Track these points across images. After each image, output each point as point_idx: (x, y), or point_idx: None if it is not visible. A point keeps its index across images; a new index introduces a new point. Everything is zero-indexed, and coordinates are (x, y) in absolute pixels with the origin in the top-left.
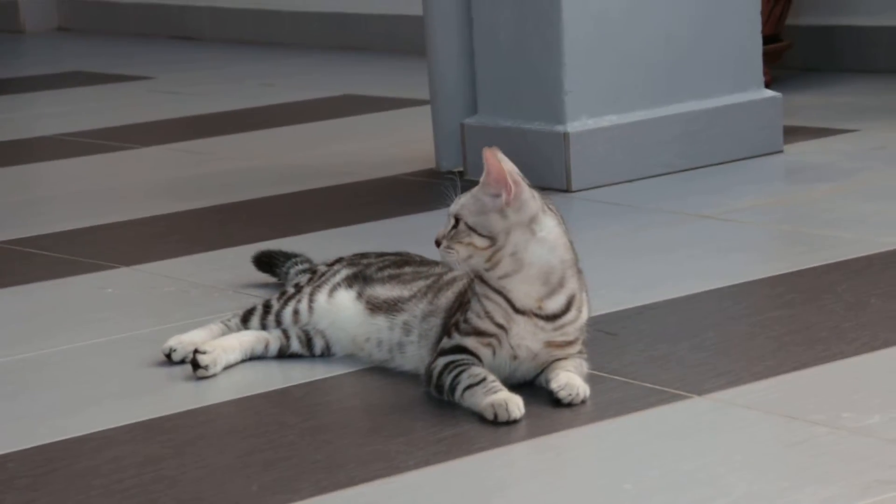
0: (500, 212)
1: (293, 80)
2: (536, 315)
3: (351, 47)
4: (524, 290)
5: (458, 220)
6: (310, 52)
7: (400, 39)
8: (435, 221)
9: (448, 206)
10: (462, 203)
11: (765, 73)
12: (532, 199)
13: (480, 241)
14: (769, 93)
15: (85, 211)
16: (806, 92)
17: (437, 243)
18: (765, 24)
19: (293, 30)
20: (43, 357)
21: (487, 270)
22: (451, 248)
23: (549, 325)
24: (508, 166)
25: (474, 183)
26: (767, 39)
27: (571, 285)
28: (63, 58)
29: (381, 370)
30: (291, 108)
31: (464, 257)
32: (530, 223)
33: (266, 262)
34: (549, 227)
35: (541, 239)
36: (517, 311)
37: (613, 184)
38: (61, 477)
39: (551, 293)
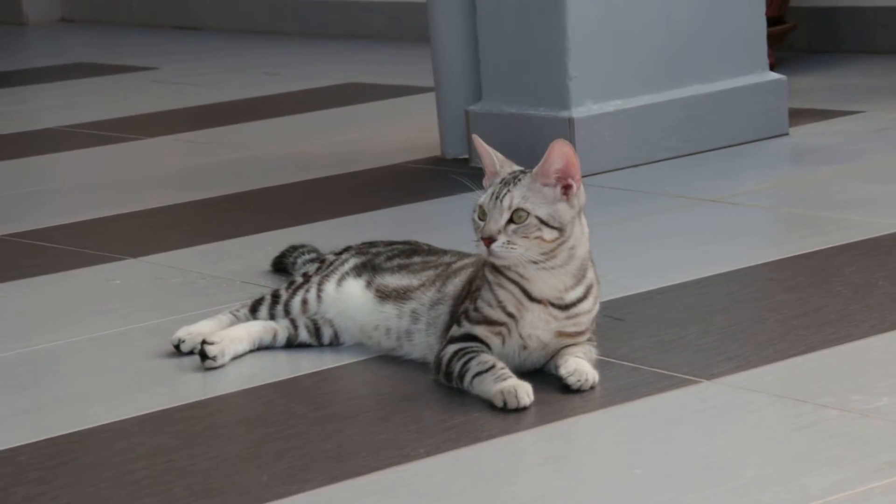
0: (568, 201)
1: (297, 68)
2: (552, 304)
3: (355, 35)
4: (551, 283)
5: (516, 214)
6: (314, 40)
7: (404, 27)
8: (441, 209)
9: (478, 198)
10: (522, 196)
11: (769, 56)
12: (583, 188)
13: (550, 234)
14: (774, 75)
15: (91, 203)
16: (811, 74)
17: (490, 240)
18: (768, 5)
19: (297, 18)
20: (51, 350)
21: (535, 263)
22: (514, 244)
23: (562, 315)
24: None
25: (478, 170)
26: (771, 21)
27: (590, 275)
28: (66, 49)
29: (389, 358)
30: (296, 97)
31: (523, 251)
32: (580, 213)
33: (280, 263)
34: (584, 218)
35: (583, 229)
36: (532, 299)
37: (619, 169)
38: (72, 469)
39: (576, 284)
